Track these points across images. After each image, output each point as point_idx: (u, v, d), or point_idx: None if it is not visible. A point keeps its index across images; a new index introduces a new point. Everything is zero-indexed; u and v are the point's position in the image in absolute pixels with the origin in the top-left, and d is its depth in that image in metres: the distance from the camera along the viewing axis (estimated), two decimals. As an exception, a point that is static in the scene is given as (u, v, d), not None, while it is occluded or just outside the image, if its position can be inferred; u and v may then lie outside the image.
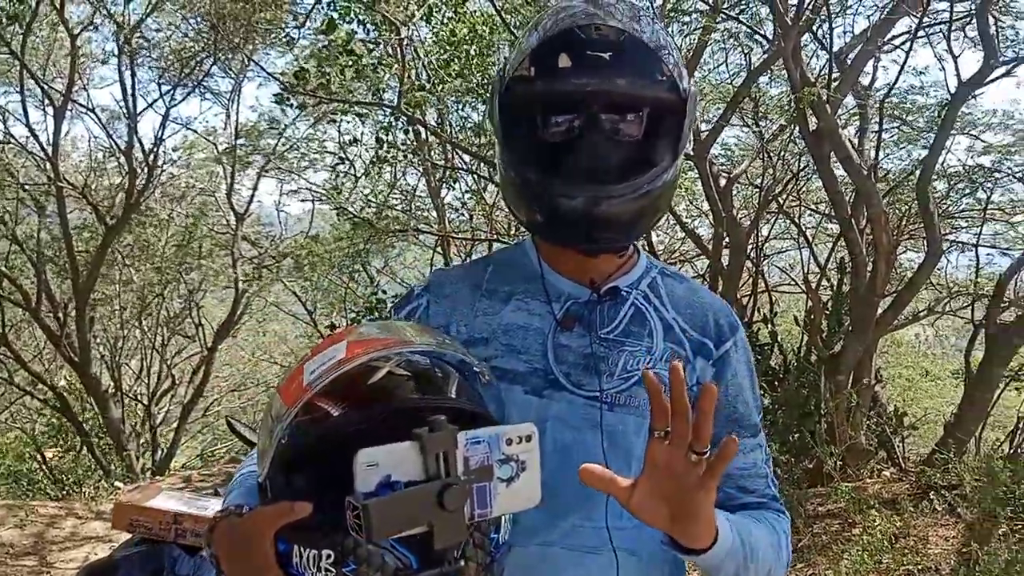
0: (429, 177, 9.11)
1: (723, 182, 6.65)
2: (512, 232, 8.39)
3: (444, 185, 8.77)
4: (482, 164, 7.50)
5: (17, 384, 11.10)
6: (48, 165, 9.88)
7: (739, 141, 8.26)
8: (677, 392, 0.86)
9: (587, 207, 1.06)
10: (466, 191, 8.77)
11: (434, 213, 9.31)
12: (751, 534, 1.08)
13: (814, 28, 6.06)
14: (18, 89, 9.58)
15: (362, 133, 8.11)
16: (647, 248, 7.19)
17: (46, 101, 9.88)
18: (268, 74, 9.42)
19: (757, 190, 7.24)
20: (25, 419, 12.34)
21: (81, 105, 10.40)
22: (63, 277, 10.84)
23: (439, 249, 9.68)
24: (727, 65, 7.51)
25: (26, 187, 10.37)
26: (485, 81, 7.09)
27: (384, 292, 8.58)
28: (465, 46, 7.04)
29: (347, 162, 8.29)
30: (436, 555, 0.86)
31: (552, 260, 1.20)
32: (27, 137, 10.04)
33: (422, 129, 8.00)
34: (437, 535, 0.83)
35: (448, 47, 7.20)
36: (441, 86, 7.41)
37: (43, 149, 9.89)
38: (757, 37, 6.34)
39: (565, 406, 1.12)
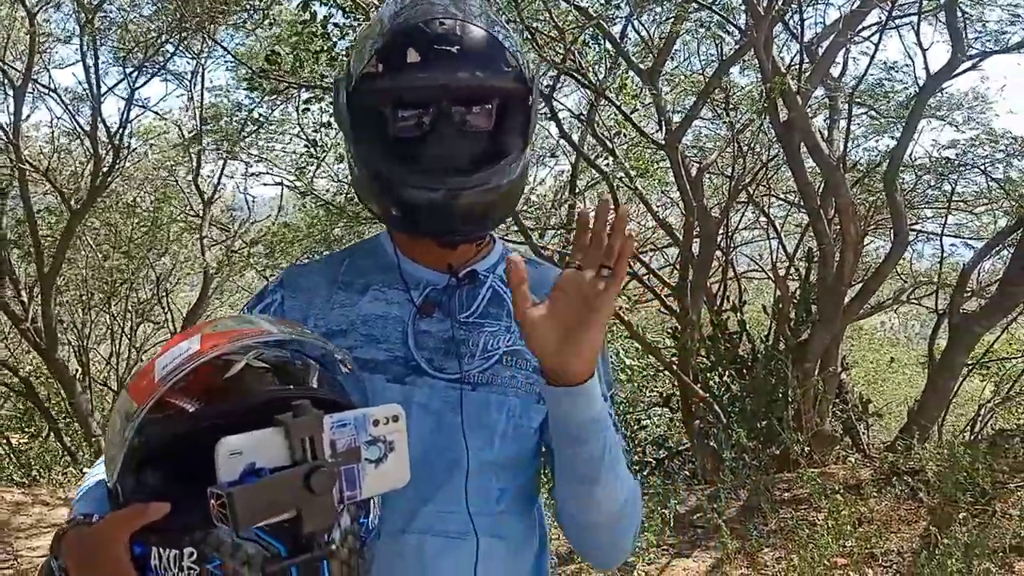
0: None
1: (694, 172, 6.69)
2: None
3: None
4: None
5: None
6: (10, 147, 9.68)
7: (710, 131, 8.34)
8: (600, 223, 0.93)
9: (444, 200, 1.07)
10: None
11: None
12: (616, 439, 1.09)
13: (786, 18, 6.11)
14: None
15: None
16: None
17: (5, 82, 9.66)
18: (235, 58, 9.27)
19: (727, 180, 7.30)
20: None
21: (43, 86, 10.19)
22: (28, 261, 10.65)
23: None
24: (699, 55, 7.56)
25: (-15, 169, 10.15)
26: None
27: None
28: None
29: (318, 146, 8.21)
30: (305, 541, 0.84)
31: (408, 250, 1.21)
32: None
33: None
34: (306, 519, 0.81)
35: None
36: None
37: (3, 131, 9.67)
38: (729, 27, 6.37)
39: (427, 391, 1.13)
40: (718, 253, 7.03)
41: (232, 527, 0.77)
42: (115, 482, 0.89)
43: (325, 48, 6.72)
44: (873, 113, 7.23)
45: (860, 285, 6.11)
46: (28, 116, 12.07)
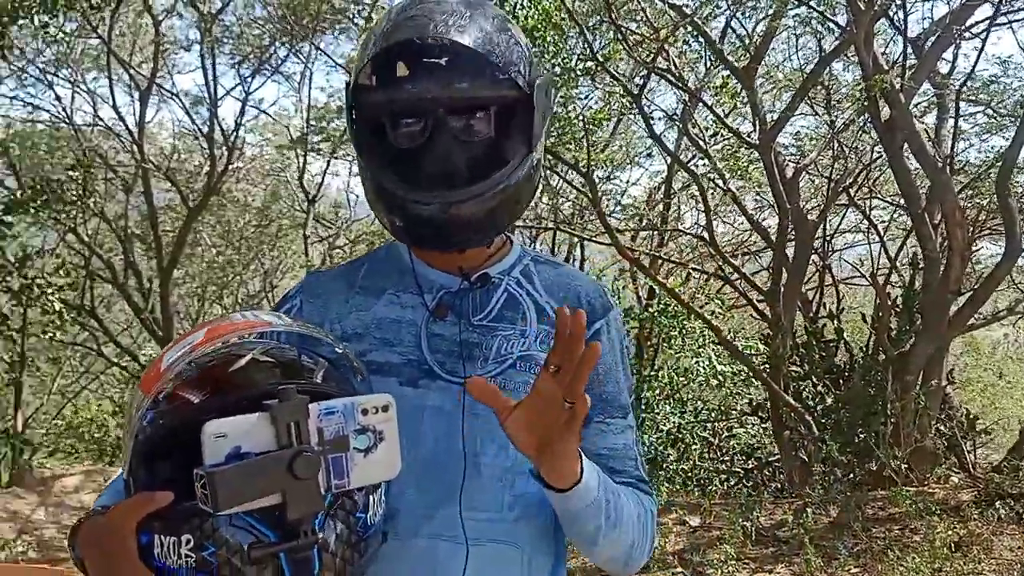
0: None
1: (790, 173, 6.46)
2: (577, 221, 8.36)
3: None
4: (548, 156, 7.49)
5: (105, 355, 11.66)
6: (135, 147, 10.33)
7: (810, 131, 8.01)
8: (579, 334, 0.90)
9: (439, 212, 1.07)
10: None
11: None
12: (619, 498, 1.10)
13: (890, 13, 5.81)
14: (106, 74, 10.02)
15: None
16: (708, 241, 7.06)
17: (132, 86, 10.31)
18: (335, 62, 9.59)
19: (827, 181, 7.01)
20: (113, 388, 12.97)
21: (166, 90, 10.83)
22: (150, 256, 11.33)
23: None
24: (797, 51, 7.29)
25: (115, 168, 10.85)
26: (558, 71, 7.07)
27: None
28: (538, 34, 7.01)
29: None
30: (294, 529, 0.83)
31: (422, 254, 1.21)
32: (115, 120, 10.51)
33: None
34: (290, 504, 0.81)
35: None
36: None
37: (129, 132, 10.33)
38: (829, 23, 6.12)
39: (440, 395, 1.13)
40: (815, 258, 6.76)
41: (212, 507, 0.77)
42: (127, 473, 0.91)
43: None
44: (989, 111, 6.78)
45: (969, 294, 5.75)
46: (153, 118, 12.86)
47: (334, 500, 0.89)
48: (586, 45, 6.48)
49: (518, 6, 7.00)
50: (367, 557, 0.96)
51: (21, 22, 7.41)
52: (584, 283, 1.25)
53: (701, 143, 7.04)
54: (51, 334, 9.77)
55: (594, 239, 8.12)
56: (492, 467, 1.09)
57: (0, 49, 8.72)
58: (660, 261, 9.02)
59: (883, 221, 7.84)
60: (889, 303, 6.09)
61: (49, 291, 8.97)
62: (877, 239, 7.38)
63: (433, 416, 1.11)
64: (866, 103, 5.55)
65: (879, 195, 7.73)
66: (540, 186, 1.26)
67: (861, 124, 6.53)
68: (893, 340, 5.94)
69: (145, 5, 9.40)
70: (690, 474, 6.97)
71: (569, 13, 6.35)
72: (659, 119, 7.75)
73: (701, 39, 6.75)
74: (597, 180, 9.51)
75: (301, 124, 11.27)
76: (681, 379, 9.47)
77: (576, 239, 8.75)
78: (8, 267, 8.53)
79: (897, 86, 5.25)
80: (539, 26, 6.74)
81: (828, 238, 7.17)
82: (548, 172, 8.21)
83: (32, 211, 8.43)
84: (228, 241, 11.46)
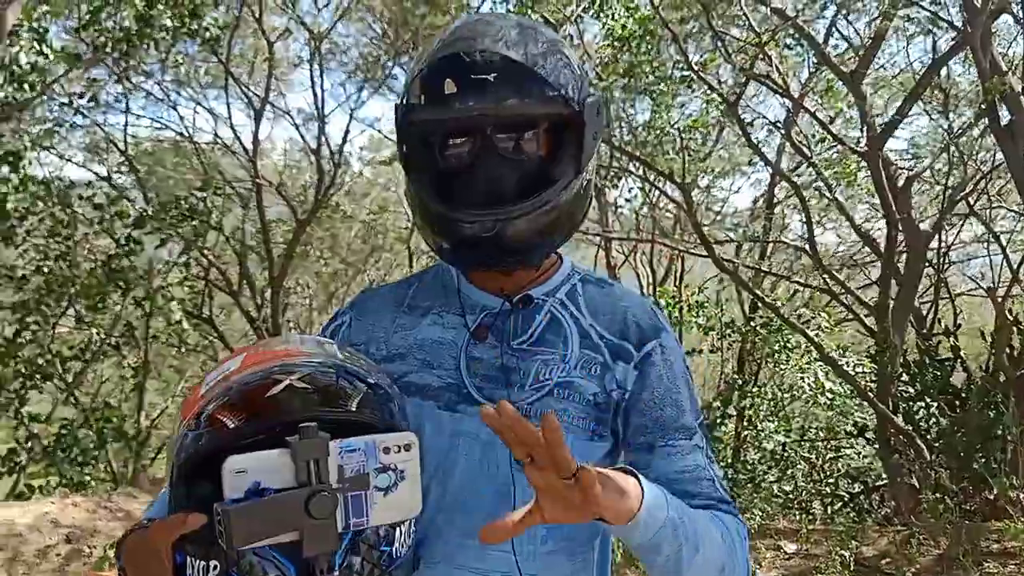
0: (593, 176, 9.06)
1: (902, 181, 6.12)
2: (677, 235, 8.20)
3: (608, 185, 8.70)
4: (643, 167, 7.38)
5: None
6: (249, 164, 10.85)
7: (925, 137, 7.55)
8: (548, 435, 0.84)
9: (483, 230, 1.05)
10: (631, 190, 8.64)
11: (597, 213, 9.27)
12: (696, 521, 1.02)
13: (1013, 9, 5.43)
14: (224, 94, 10.58)
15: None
16: (810, 253, 6.76)
17: (247, 104, 10.85)
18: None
19: (944, 190, 6.59)
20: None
21: (279, 108, 11.32)
22: (263, 267, 11.86)
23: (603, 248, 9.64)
24: (908, 53, 6.89)
25: (231, 184, 11.43)
26: (655, 80, 6.97)
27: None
28: (635, 42, 6.94)
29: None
30: (311, 566, 0.84)
31: (470, 274, 1.19)
32: (232, 138, 11.07)
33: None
34: (306, 543, 0.81)
35: (616, 44, 7.11)
36: (606, 83, 7.37)
37: (245, 149, 10.85)
38: (942, 23, 5.76)
39: (476, 420, 1.04)
40: (929, 270, 6.37)
41: (227, 544, 0.78)
42: (170, 488, 0.93)
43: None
44: None
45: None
46: (268, 134, 13.46)
47: (357, 533, 0.89)
48: (681, 53, 6.35)
49: (614, 16, 6.96)
50: None
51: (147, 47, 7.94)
52: (632, 303, 1.19)
53: (805, 150, 6.77)
54: (173, 343, 10.39)
55: (690, 251, 7.93)
56: (527, 497, 1.06)
57: (126, 71, 9.35)
58: (762, 274, 8.72)
59: (1006, 232, 7.31)
60: (1010, 319, 5.66)
61: (172, 302, 9.54)
62: (998, 250, 6.88)
63: (469, 443, 1.09)
64: (983, 107, 5.20)
65: (1002, 204, 7.21)
66: (590, 207, 1.22)
67: (982, 129, 6.12)
68: (1014, 359, 5.52)
69: (259, 27, 9.86)
70: (791, 496, 6.68)
71: (663, 21, 6.24)
72: (760, 127, 7.50)
73: (804, 42, 6.50)
74: (697, 190, 9.31)
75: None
76: (786, 396, 9.12)
77: (676, 251, 8.62)
78: (136, 280, 9.11)
79: (1018, 89, 4.90)
80: (635, 34, 6.66)
81: (945, 249, 6.73)
82: (644, 183, 8.09)
83: (159, 227, 9.00)
84: (335, 252, 11.85)
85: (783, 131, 7.05)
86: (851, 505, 6.12)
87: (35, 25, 6.74)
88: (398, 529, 0.94)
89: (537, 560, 1.09)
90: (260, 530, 0.79)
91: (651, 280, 10.96)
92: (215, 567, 0.87)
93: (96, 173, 11.14)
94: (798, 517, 5.85)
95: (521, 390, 1.10)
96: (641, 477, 0.97)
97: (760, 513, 5.85)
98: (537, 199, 1.05)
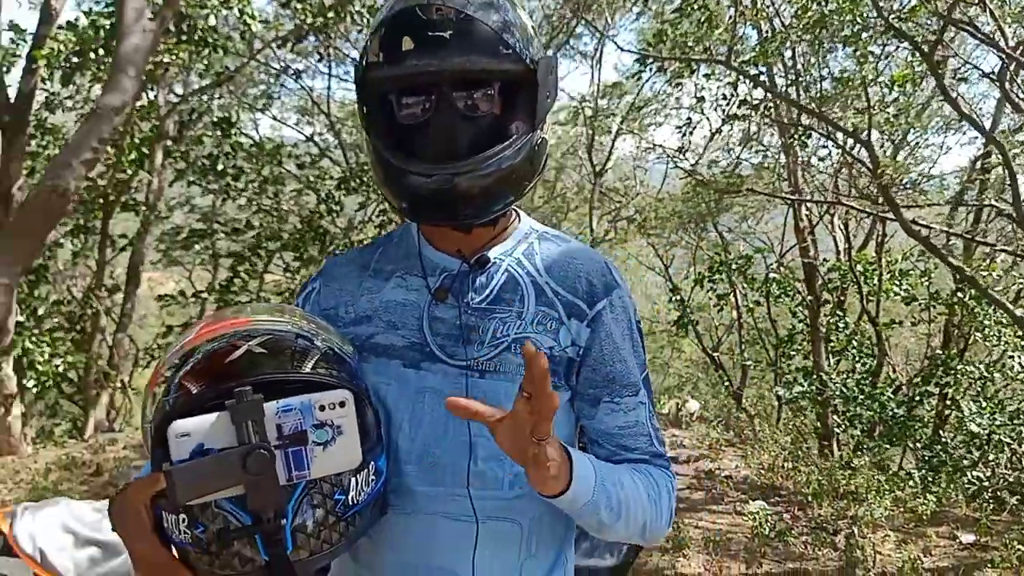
0: (783, 135, 8.61)
1: None
2: (864, 195, 7.63)
3: (796, 144, 8.24)
4: (829, 126, 6.92)
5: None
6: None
7: None
8: (540, 372, 0.90)
9: (439, 184, 1.08)
10: (817, 150, 8.13)
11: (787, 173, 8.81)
12: (621, 488, 1.11)
13: None
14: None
15: (703, 90, 7.95)
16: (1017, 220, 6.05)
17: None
18: (617, 46, 9.57)
19: None
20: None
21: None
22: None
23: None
24: None
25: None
26: (845, 31, 6.52)
27: (727, 253, 8.36)
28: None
29: (691, 123, 8.19)
30: (261, 515, 0.92)
31: (430, 235, 1.23)
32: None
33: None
34: (250, 496, 0.90)
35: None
36: (794, 36, 6.98)
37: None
38: None
39: (440, 377, 1.15)
40: None
41: (171, 500, 0.88)
42: (150, 451, 1.02)
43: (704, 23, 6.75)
44: None
45: None
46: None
47: (309, 485, 0.98)
48: (875, 8, 5.84)
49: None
50: (356, 531, 1.03)
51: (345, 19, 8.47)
52: (587, 260, 1.23)
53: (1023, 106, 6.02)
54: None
55: (880, 214, 7.36)
56: (490, 447, 1.10)
57: (329, 43, 10.01)
58: (974, 243, 7.93)
59: None
60: None
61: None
62: None
63: (433, 398, 1.15)
64: None
65: None
66: (544, 166, 1.24)
67: None
68: None
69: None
70: (986, 484, 6.11)
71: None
72: (975, 80, 6.77)
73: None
74: (892, 147, 8.59)
75: (592, 99, 11.53)
76: (996, 376, 8.27)
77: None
78: (335, 237, 9.84)
79: None
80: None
81: None
82: (828, 141, 7.59)
83: (356, 188, 9.64)
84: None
85: (998, 84, 6.33)
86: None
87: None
88: (353, 479, 1.01)
89: (504, 502, 1.16)
90: (202, 486, 0.88)
91: (847, 244, 10.28)
92: (183, 519, 0.95)
93: (305, 136, 12.09)
94: (988, 507, 5.36)
95: (480, 347, 1.16)
96: (575, 460, 1.04)
97: (941, 498, 5.43)
98: (490, 153, 1.09)
